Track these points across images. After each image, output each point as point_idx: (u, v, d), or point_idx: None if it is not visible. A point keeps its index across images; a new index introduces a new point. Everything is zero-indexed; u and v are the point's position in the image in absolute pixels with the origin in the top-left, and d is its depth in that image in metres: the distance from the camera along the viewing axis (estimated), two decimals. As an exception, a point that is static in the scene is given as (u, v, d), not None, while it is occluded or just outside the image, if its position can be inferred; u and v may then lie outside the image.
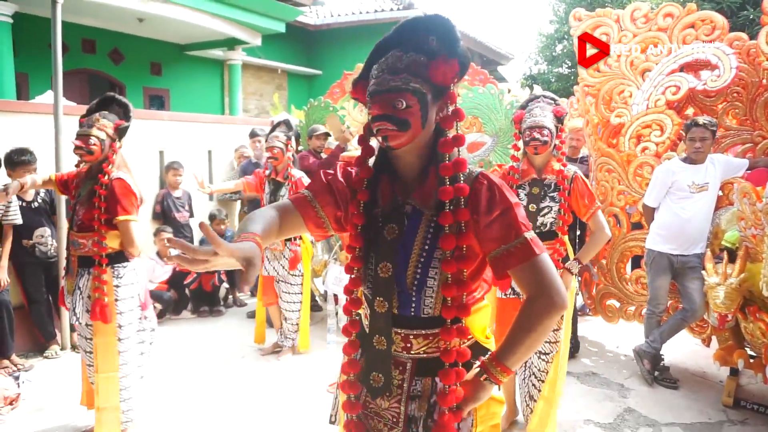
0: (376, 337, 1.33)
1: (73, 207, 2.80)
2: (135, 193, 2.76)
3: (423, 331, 1.31)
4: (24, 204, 4.02)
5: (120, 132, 2.78)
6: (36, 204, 4.09)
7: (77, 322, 2.76)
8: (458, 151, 1.27)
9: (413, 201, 1.31)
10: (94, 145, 2.67)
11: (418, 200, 1.30)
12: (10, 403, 3.29)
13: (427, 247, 1.28)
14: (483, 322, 1.39)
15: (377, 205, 1.34)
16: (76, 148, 2.68)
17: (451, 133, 1.27)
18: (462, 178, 1.26)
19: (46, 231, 4.07)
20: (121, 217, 2.67)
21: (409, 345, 1.32)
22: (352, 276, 1.37)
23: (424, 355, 1.32)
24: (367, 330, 1.37)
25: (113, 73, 8.85)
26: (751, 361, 3.34)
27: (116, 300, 2.73)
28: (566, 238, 2.82)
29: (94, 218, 2.66)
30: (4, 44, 6.24)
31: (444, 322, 1.27)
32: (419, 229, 1.29)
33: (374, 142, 1.35)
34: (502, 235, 1.23)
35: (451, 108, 1.28)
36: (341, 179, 1.39)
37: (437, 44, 1.23)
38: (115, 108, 2.81)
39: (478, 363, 1.29)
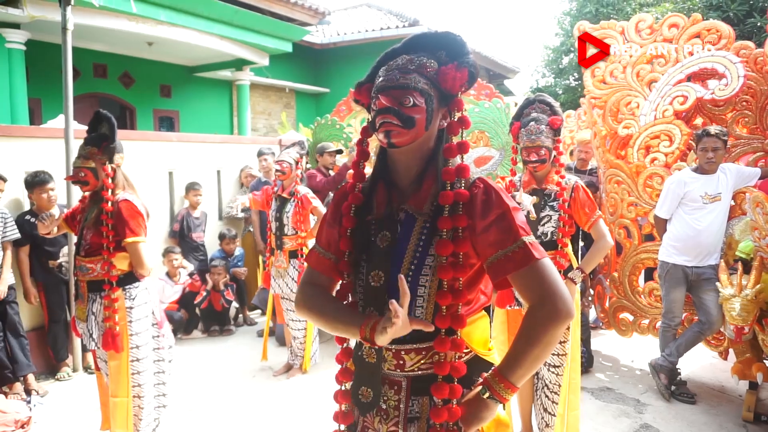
0: (366, 350, 1.30)
1: (79, 232, 2.80)
2: (142, 214, 2.75)
3: (415, 345, 1.26)
4: None
5: (107, 152, 2.72)
6: None
7: (96, 348, 2.74)
8: (462, 158, 1.27)
9: (407, 207, 1.29)
10: (86, 176, 2.68)
11: (413, 206, 1.28)
12: (22, 426, 3.28)
13: (418, 254, 1.25)
14: (482, 335, 1.34)
15: (371, 213, 1.33)
16: (73, 182, 2.71)
17: (456, 140, 1.27)
18: (462, 184, 1.25)
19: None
20: (129, 239, 2.67)
21: (402, 362, 1.27)
22: (342, 282, 1.36)
23: (419, 372, 1.27)
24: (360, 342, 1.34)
25: (124, 96, 8.99)
26: (771, 374, 3.27)
27: (130, 322, 2.72)
28: (569, 249, 2.79)
29: (103, 240, 2.66)
30: (17, 71, 6.38)
31: (437, 334, 1.22)
32: (412, 235, 1.27)
33: (371, 146, 1.37)
34: (499, 239, 1.19)
35: (457, 115, 1.27)
36: (338, 208, 1.39)
37: (447, 59, 1.25)
38: (104, 125, 2.78)
39: (480, 380, 1.25)
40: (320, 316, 1.33)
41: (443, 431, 1.22)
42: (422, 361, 1.27)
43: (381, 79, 1.25)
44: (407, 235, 1.27)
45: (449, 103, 1.27)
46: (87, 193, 2.83)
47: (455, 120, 1.27)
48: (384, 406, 1.30)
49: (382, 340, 1.14)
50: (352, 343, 1.41)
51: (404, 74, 1.22)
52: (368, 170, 1.43)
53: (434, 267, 1.23)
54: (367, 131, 1.34)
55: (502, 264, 1.18)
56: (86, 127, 2.88)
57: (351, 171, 1.41)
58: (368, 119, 1.31)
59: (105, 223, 2.64)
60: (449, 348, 1.22)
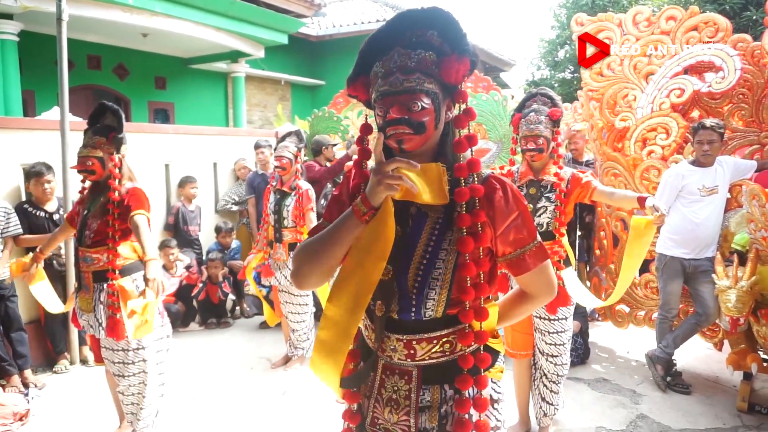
0: (368, 333, 1.32)
1: (82, 222, 2.78)
2: (148, 199, 2.75)
3: (426, 335, 1.27)
4: (47, 216, 4.06)
5: (115, 143, 2.72)
6: (57, 216, 4.11)
7: (105, 337, 2.74)
8: (471, 151, 1.25)
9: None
10: (93, 165, 2.67)
11: None
12: (20, 419, 3.28)
13: (430, 249, 1.25)
14: (490, 322, 1.35)
15: None
16: (79, 171, 2.70)
17: (464, 133, 1.24)
18: (475, 178, 1.24)
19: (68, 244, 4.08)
20: (135, 212, 2.61)
21: (412, 351, 1.28)
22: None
23: (430, 361, 1.28)
24: (366, 335, 1.37)
25: (118, 88, 8.93)
26: (765, 365, 3.31)
27: None
28: (565, 240, 2.82)
29: (109, 228, 2.65)
30: (11, 62, 6.31)
31: (447, 323, 1.26)
32: (424, 230, 1.26)
33: (371, 144, 1.34)
34: (518, 238, 1.26)
35: (462, 107, 1.25)
36: (348, 195, 1.36)
37: (439, 39, 1.19)
38: (109, 117, 2.78)
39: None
40: (318, 242, 1.28)
41: (468, 422, 1.25)
42: (433, 350, 1.28)
43: (382, 82, 1.19)
44: (419, 229, 1.27)
45: (452, 94, 1.24)
46: (88, 184, 2.82)
47: (461, 113, 1.24)
48: (394, 396, 1.31)
49: (376, 197, 1.15)
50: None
51: (407, 75, 1.16)
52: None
53: (447, 261, 1.24)
54: (366, 129, 1.31)
55: (524, 262, 1.27)
56: (81, 119, 2.87)
57: (351, 164, 1.39)
58: (371, 115, 1.28)
59: (111, 212, 2.64)
60: (473, 341, 1.26)
